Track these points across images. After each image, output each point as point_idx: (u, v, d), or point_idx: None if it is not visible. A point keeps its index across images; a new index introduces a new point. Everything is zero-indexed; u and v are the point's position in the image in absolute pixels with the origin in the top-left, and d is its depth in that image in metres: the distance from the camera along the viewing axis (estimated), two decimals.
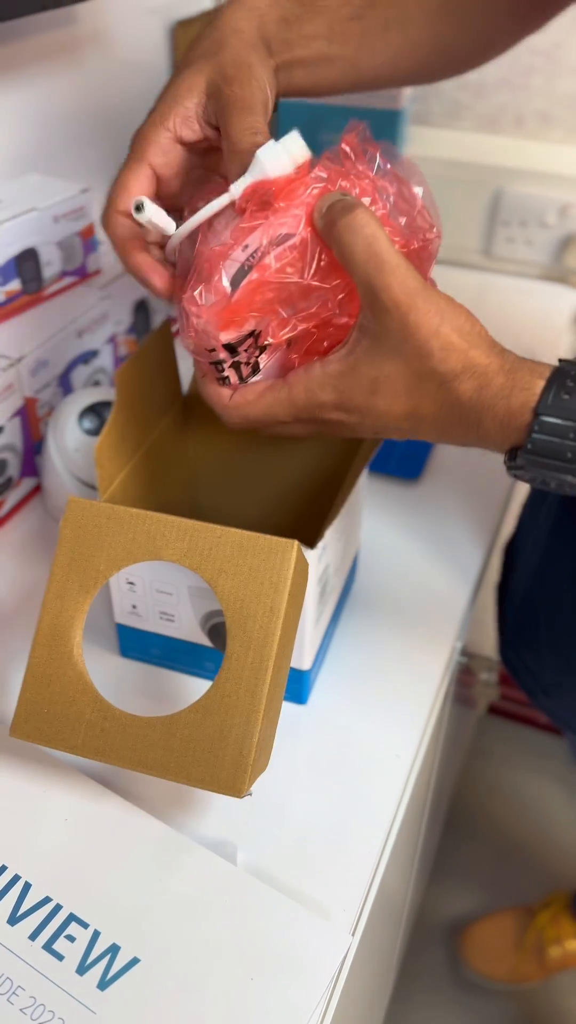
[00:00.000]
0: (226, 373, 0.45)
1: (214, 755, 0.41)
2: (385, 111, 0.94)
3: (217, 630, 0.51)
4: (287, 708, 0.54)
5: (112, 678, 0.56)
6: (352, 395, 0.42)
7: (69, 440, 0.65)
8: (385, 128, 0.95)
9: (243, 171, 0.43)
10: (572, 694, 0.70)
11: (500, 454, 0.43)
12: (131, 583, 0.51)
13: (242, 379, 0.45)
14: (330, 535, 0.49)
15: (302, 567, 0.44)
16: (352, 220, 0.39)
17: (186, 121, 0.48)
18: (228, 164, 0.45)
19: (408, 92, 0.97)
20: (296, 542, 0.43)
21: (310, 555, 0.47)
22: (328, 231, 0.41)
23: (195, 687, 0.55)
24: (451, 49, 0.59)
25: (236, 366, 0.45)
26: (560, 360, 0.42)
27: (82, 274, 0.76)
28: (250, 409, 0.45)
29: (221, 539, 0.43)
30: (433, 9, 0.57)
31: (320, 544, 0.48)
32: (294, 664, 0.52)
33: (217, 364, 0.45)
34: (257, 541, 0.43)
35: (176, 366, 0.58)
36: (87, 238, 0.75)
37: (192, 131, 0.48)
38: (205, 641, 0.53)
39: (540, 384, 0.39)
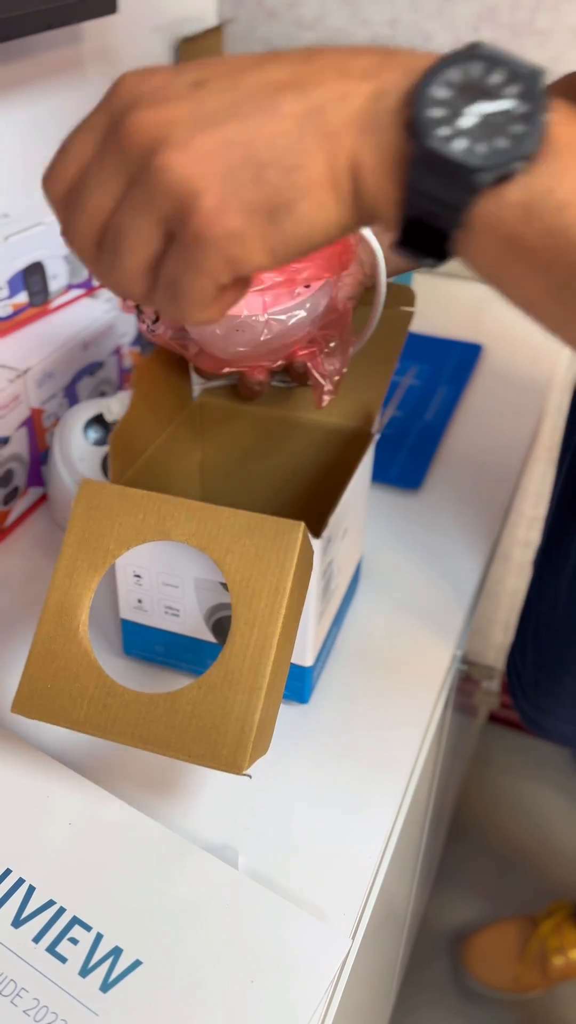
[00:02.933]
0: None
1: (216, 731, 0.41)
2: None
3: (221, 625, 0.52)
4: (289, 709, 0.55)
5: (115, 677, 0.56)
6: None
7: (75, 450, 0.66)
8: None
9: None
10: (546, 695, 0.71)
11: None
12: (138, 576, 0.52)
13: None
14: (334, 526, 0.50)
15: (307, 550, 0.45)
16: None
17: None
18: None
19: None
20: (302, 524, 0.44)
21: (315, 544, 0.47)
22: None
23: None
24: None
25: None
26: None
27: (88, 287, 0.77)
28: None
29: (229, 520, 0.44)
30: None
31: (325, 534, 0.48)
32: (297, 660, 0.53)
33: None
34: (265, 522, 0.44)
35: (189, 372, 0.59)
36: None
37: None
38: (209, 637, 0.53)
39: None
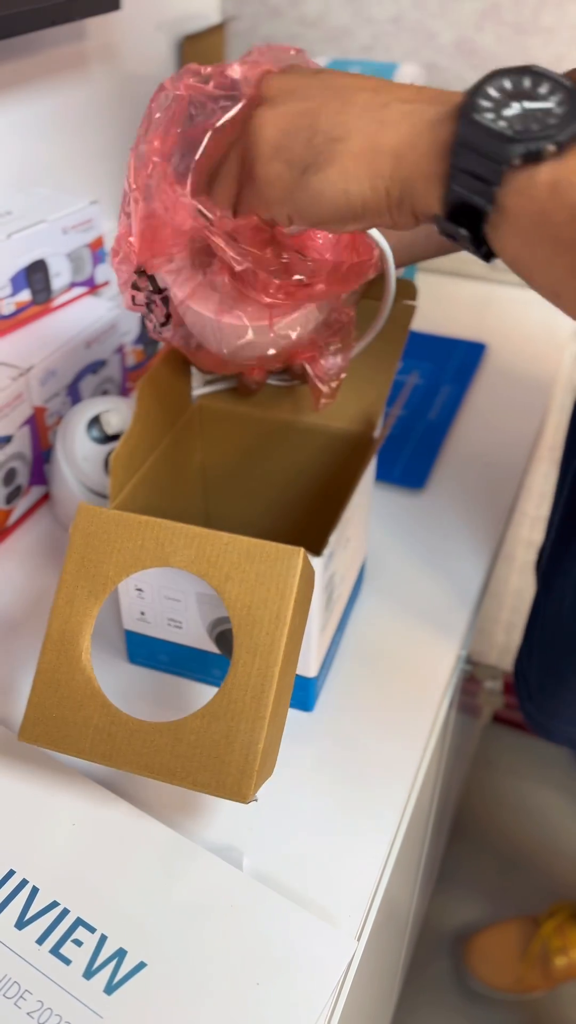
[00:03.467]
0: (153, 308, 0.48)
1: (220, 760, 0.41)
2: None
3: (224, 637, 0.52)
4: (294, 715, 0.55)
5: (120, 685, 0.57)
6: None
7: (78, 449, 0.65)
8: None
9: None
10: (552, 698, 0.70)
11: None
12: (140, 589, 0.52)
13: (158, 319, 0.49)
14: (335, 543, 0.50)
15: (308, 574, 0.45)
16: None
17: None
18: None
19: None
20: (302, 550, 0.43)
21: (316, 563, 0.47)
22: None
23: (202, 694, 0.56)
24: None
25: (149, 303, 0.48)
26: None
27: (90, 285, 0.77)
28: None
29: (228, 546, 0.44)
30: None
31: (326, 552, 0.48)
32: (301, 671, 0.53)
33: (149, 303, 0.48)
34: (264, 548, 0.43)
35: (189, 376, 0.59)
36: (95, 250, 0.76)
37: None
38: (212, 648, 0.53)
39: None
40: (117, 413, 0.66)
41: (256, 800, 0.42)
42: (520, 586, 1.32)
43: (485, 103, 0.33)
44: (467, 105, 0.34)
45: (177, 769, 0.42)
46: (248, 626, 0.43)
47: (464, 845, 1.33)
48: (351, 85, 0.37)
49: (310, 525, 0.62)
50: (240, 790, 0.41)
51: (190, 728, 0.42)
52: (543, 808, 1.40)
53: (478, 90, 0.34)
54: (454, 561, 0.68)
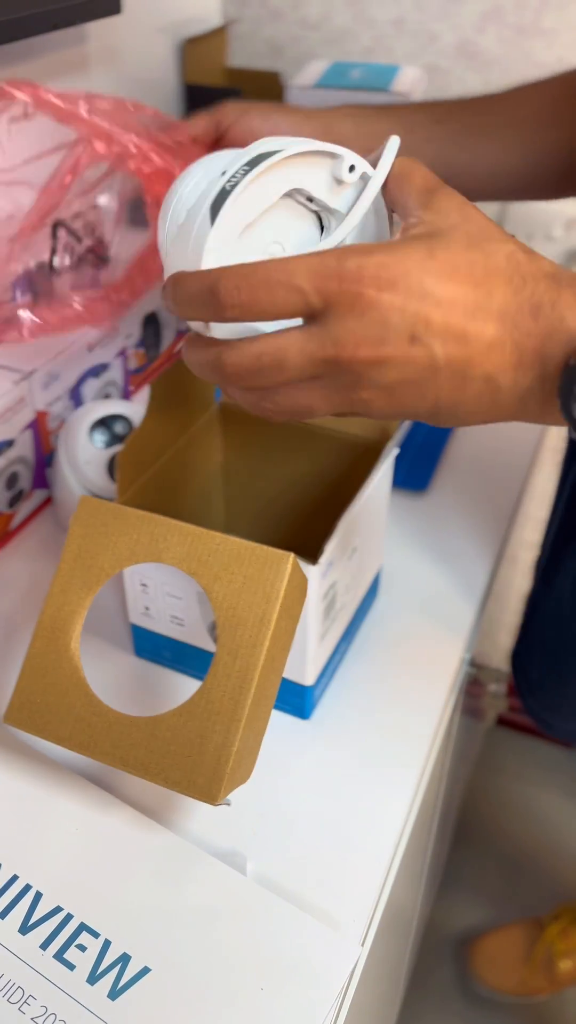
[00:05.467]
0: None
1: (192, 760, 0.41)
2: None
3: None
4: (297, 721, 0.55)
5: (126, 677, 0.57)
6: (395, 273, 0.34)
7: (80, 453, 0.65)
8: None
9: None
10: (555, 693, 0.71)
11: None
12: (144, 584, 0.52)
13: None
14: (334, 553, 0.50)
15: (298, 580, 0.44)
16: None
17: None
18: None
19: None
20: (291, 555, 0.43)
21: (312, 571, 0.47)
22: None
23: None
24: (545, 164, 0.58)
25: None
26: None
27: None
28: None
29: (219, 546, 0.44)
30: (530, 119, 0.56)
31: (323, 560, 0.48)
32: (296, 679, 0.52)
33: None
34: (253, 551, 0.43)
35: None
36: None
37: None
38: (213, 647, 0.53)
39: None
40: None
41: (228, 804, 0.41)
42: (524, 588, 1.32)
43: None
44: (568, 417, 0.35)
45: (150, 764, 0.42)
46: (231, 628, 0.43)
47: (468, 848, 1.33)
48: (452, 366, 0.35)
49: (326, 531, 0.62)
50: (210, 791, 0.41)
51: (166, 725, 0.42)
52: (547, 811, 1.40)
53: (569, 403, 0.34)
54: (458, 563, 0.68)
